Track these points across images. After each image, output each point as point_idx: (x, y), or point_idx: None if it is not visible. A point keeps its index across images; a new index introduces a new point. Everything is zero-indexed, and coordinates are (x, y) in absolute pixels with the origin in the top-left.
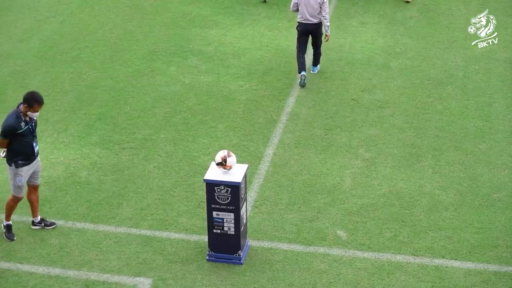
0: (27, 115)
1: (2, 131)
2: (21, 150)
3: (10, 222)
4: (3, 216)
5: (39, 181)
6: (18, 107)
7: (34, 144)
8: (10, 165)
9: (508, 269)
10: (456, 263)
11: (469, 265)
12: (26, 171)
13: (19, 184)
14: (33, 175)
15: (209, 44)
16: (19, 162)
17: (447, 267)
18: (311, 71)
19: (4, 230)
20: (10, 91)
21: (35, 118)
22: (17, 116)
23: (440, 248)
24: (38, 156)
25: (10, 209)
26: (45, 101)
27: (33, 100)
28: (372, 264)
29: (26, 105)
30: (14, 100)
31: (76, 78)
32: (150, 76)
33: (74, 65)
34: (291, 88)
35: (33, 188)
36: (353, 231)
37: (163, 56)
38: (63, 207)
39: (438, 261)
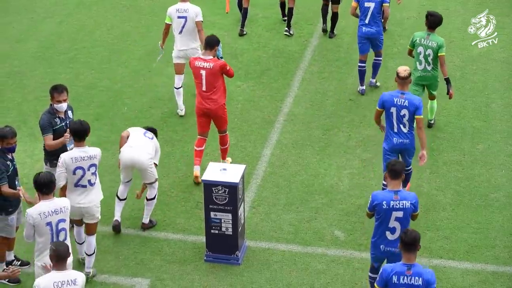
0: (59, 111)
1: (41, 129)
2: (57, 149)
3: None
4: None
5: None
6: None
7: (67, 145)
8: (45, 164)
9: (505, 269)
10: (453, 263)
11: (467, 265)
12: None
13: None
14: None
15: None
16: (54, 162)
17: (444, 267)
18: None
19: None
20: (8, 92)
21: (63, 110)
22: (49, 112)
23: (438, 248)
24: None
25: None
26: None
27: (51, 90)
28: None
29: (50, 99)
30: (11, 101)
31: (74, 79)
32: (147, 77)
33: (72, 66)
34: (288, 88)
35: None
36: (350, 232)
37: None
38: None
39: (436, 261)
